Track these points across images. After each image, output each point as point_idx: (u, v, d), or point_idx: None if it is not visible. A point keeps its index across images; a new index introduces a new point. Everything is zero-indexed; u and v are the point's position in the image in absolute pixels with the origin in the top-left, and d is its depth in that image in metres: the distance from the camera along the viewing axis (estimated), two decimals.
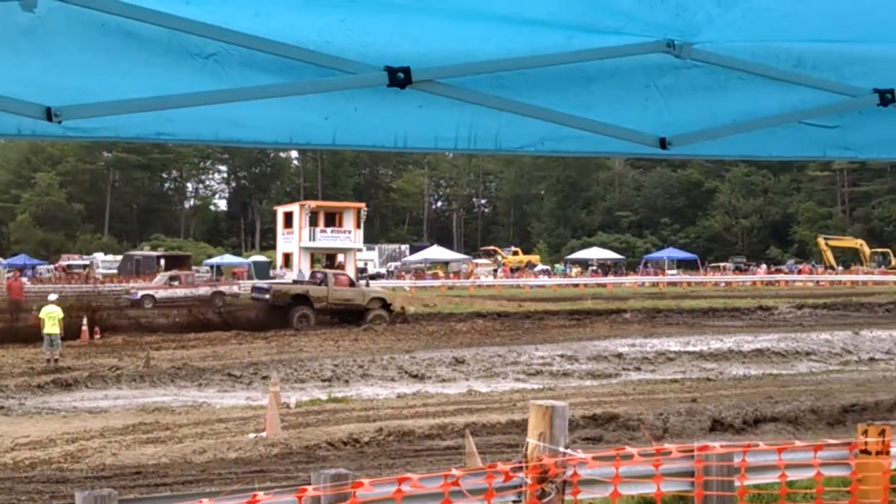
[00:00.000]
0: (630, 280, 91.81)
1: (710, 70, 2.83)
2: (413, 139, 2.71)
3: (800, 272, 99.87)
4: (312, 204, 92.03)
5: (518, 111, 2.67)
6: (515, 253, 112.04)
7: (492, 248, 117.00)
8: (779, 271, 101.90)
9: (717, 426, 20.82)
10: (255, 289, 49.40)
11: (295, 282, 50.38)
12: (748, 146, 3.06)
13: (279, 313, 45.12)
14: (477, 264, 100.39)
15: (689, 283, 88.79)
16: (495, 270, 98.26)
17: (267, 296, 46.68)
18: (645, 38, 2.68)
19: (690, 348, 35.21)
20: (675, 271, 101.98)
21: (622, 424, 20.86)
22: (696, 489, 5.86)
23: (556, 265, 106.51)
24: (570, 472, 4.72)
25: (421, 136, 2.72)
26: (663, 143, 2.85)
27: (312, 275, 52.24)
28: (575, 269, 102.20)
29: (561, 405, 5.04)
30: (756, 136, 3.02)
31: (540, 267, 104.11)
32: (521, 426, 19.48)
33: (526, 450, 4.95)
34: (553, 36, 2.60)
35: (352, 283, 49.91)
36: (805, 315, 52.99)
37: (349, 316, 46.32)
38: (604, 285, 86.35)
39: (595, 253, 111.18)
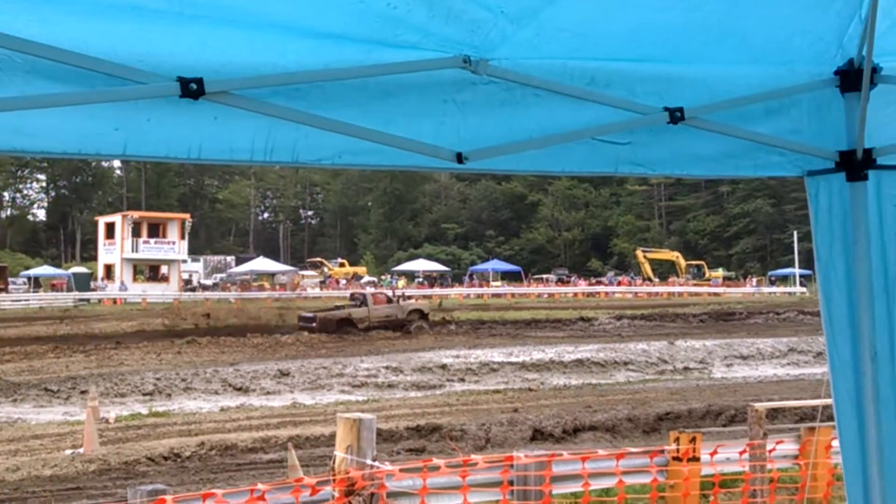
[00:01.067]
0: (455, 292, 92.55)
1: (507, 86, 2.88)
2: (208, 151, 2.67)
3: (619, 284, 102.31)
4: (135, 214, 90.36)
5: (314, 124, 2.66)
6: (342, 265, 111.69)
7: (318, 259, 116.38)
8: (599, 283, 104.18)
9: (538, 435, 21.18)
10: (301, 318, 50.78)
11: (336, 307, 53.60)
12: (543, 161, 3.12)
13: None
14: (303, 276, 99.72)
15: (513, 295, 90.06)
16: (322, 282, 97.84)
17: (314, 324, 48.76)
18: (442, 53, 2.71)
19: (513, 359, 35.69)
20: (499, 283, 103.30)
21: (446, 435, 21.02)
22: (504, 498, 5.94)
23: (383, 277, 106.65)
24: (377, 484, 4.74)
25: (216, 147, 2.68)
26: (460, 158, 2.88)
27: (352, 297, 55.87)
28: (401, 281, 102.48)
29: (368, 418, 5.05)
30: (551, 152, 3.08)
31: (366, 279, 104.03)
32: None
33: (333, 463, 4.94)
34: (351, 50, 2.61)
35: (389, 300, 53.54)
36: (624, 326, 54.41)
37: (392, 328, 49.51)
38: (429, 297, 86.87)
39: (421, 265, 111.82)
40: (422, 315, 51.95)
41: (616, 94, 3.01)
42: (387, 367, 33.34)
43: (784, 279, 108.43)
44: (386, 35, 2.58)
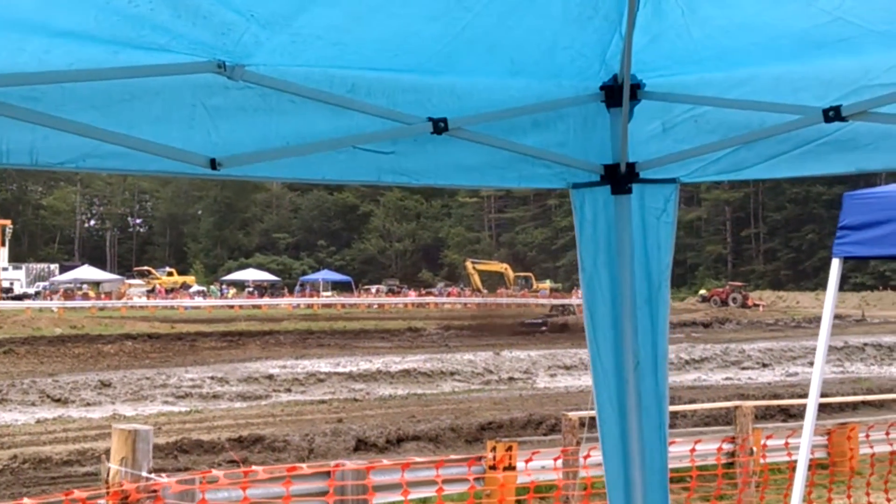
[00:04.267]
0: (285, 301, 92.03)
1: (262, 92, 2.83)
2: None
3: (449, 295, 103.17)
4: None
5: (52, 125, 2.58)
6: (170, 274, 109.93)
7: (146, 268, 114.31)
8: (429, 294, 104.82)
9: (362, 445, 21.20)
10: (527, 324, 63.01)
11: (548, 315, 68.54)
12: (303, 169, 3.10)
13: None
14: (130, 285, 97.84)
15: (343, 305, 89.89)
16: (150, 291, 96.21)
17: (544, 328, 60.82)
18: (194, 57, 2.64)
19: (340, 369, 35.62)
20: (330, 293, 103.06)
21: (268, 446, 20.86)
22: None
23: (212, 286, 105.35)
24: (153, 497, 4.63)
25: None
26: (214, 164, 2.84)
27: (552, 308, 73.08)
28: (231, 291, 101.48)
29: (145, 429, 4.94)
30: (311, 160, 3.05)
31: (195, 288, 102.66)
32: (165, 450, 19.14)
33: (107, 475, 4.82)
34: (95, 50, 2.51)
35: None
36: (451, 336, 54.85)
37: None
38: (259, 307, 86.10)
39: (251, 274, 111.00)
40: None
41: (378, 102, 3.00)
42: (212, 378, 32.85)
43: None
44: (130, 35, 2.48)
